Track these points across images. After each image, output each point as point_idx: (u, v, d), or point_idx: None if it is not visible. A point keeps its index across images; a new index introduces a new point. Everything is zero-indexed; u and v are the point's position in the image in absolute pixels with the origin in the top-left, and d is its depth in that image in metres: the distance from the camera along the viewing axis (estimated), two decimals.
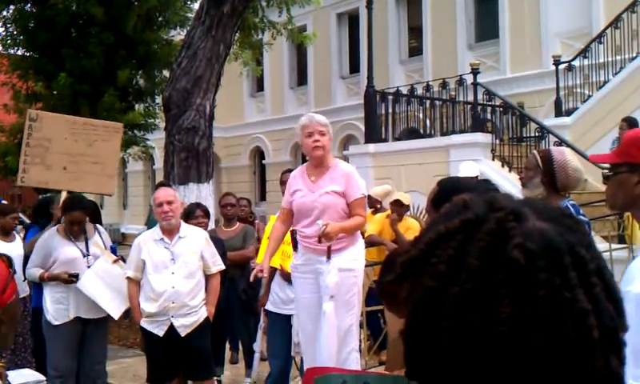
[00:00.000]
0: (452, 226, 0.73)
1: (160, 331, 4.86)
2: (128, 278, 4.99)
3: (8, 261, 1.65)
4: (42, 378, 4.66)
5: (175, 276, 4.85)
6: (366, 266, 5.40)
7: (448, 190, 2.03)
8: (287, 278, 5.04)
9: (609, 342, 0.69)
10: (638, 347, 1.44)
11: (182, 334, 4.86)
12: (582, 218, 3.63)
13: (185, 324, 4.88)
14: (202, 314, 4.99)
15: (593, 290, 0.69)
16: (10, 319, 1.56)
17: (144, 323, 4.92)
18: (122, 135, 11.79)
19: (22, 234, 6.60)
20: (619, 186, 2.21)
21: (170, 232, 4.96)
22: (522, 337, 0.67)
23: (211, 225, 8.50)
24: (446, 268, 0.71)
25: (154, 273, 4.86)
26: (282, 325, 5.11)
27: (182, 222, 5.12)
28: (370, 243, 6.98)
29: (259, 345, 5.67)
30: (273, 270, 5.32)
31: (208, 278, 5.08)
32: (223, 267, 5.18)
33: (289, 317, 5.07)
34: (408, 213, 7.75)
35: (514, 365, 0.67)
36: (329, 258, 4.13)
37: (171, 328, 4.86)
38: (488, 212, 0.73)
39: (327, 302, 4.13)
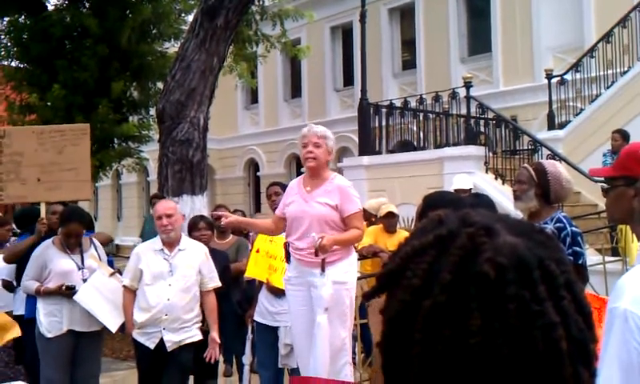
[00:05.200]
0: (426, 242, 0.75)
1: (151, 344, 4.83)
2: (124, 286, 4.96)
3: None
4: None
5: (172, 288, 4.82)
6: (360, 278, 5.42)
7: (432, 205, 2.05)
8: (274, 291, 5.05)
9: (578, 354, 0.71)
10: (625, 363, 1.45)
11: (169, 349, 4.82)
12: (575, 229, 3.68)
13: (174, 340, 4.83)
14: (194, 333, 4.94)
15: (561, 303, 0.71)
16: None
17: (135, 335, 4.90)
18: (117, 147, 11.98)
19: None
20: (617, 199, 2.24)
21: (170, 244, 4.93)
22: (492, 348, 0.68)
23: None
24: (420, 282, 0.73)
25: (151, 283, 4.82)
26: (269, 336, 5.12)
27: (184, 235, 5.08)
28: (371, 253, 7.00)
29: (248, 357, 5.66)
30: (259, 283, 5.33)
31: (203, 294, 5.02)
32: (219, 284, 5.13)
33: (276, 328, 5.08)
34: (402, 225, 7.77)
35: (485, 376, 0.69)
36: (323, 270, 4.13)
37: (162, 341, 4.83)
38: (460, 227, 0.75)
39: (321, 314, 4.13)
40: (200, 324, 5.02)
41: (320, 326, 4.11)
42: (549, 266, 0.72)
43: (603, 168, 2.49)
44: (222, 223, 4.77)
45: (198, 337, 4.98)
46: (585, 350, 0.72)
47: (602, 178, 2.46)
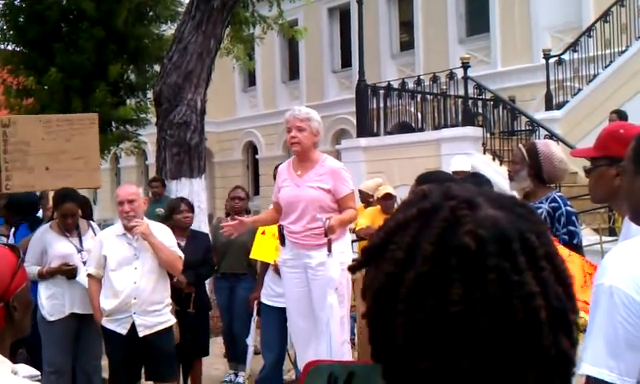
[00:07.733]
0: (410, 215, 0.77)
1: (123, 330, 4.68)
2: (89, 275, 4.84)
3: (16, 250, 1.73)
4: (36, 373, 4.64)
5: (138, 271, 4.69)
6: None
7: (425, 184, 2.08)
8: None
9: (558, 323, 0.73)
10: (611, 338, 1.48)
11: (140, 335, 4.67)
12: (569, 208, 3.69)
13: (145, 324, 4.69)
14: (167, 318, 4.82)
15: (541, 274, 0.73)
16: (22, 306, 1.65)
17: (105, 322, 4.75)
18: (115, 130, 11.97)
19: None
20: (599, 179, 2.26)
21: (132, 229, 4.76)
22: (472, 317, 0.71)
23: (202, 219, 8.53)
24: (404, 254, 0.75)
25: (117, 269, 4.70)
26: (276, 317, 5.10)
27: (145, 218, 4.89)
28: (369, 235, 7.02)
29: (253, 338, 5.69)
30: (265, 265, 5.34)
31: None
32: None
33: (283, 309, 5.08)
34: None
35: (466, 344, 0.71)
36: (330, 251, 4.16)
37: (133, 326, 4.68)
38: (443, 201, 0.77)
39: (332, 294, 4.16)
40: (170, 307, 4.89)
41: (332, 307, 4.15)
42: (529, 237, 0.74)
43: (584, 149, 2.50)
44: (240, 231, 4.76)
45: (172, 321, 4.88)
46: (565, 319, 0.74)
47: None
